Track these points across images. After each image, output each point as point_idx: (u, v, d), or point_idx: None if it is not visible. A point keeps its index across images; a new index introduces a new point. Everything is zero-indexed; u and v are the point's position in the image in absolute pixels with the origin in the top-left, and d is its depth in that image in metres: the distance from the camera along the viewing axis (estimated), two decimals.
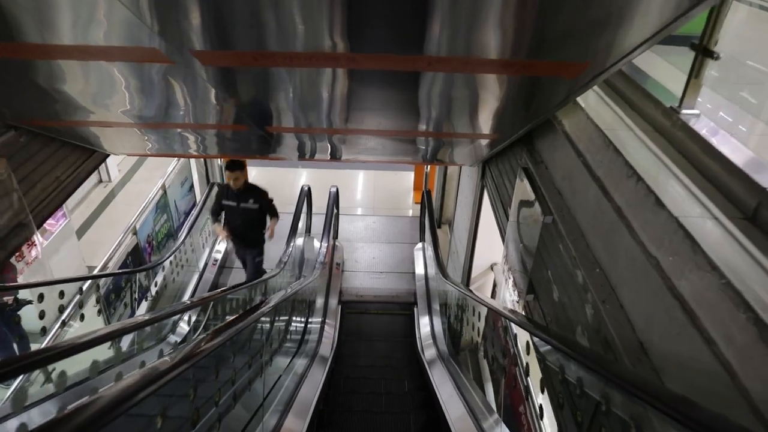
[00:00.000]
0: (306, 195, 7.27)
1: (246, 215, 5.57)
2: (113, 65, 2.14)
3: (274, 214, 5.63)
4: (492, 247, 5.44)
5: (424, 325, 5.94)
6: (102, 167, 10.14)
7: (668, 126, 2.11)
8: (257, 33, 1.63)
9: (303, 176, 10.82)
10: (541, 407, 2.06)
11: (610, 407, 1.43)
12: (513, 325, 3.76)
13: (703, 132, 1.90)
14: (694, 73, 1.99)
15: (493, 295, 5.58)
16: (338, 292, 6.90)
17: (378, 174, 11.02)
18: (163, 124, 3.27)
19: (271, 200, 5.65)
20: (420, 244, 8.00)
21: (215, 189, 8.14)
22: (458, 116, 3.03)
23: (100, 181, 10.27)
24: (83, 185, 9.90)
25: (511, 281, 3.53)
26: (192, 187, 8.51)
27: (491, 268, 5.63)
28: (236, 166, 5.35)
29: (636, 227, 1.87)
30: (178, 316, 4.66)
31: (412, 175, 10.48)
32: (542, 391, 2.05)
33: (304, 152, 4.47)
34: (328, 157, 4.59)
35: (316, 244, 7.21)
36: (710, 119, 2.01)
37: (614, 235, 2.08)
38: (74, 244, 7.01)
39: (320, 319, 5.69)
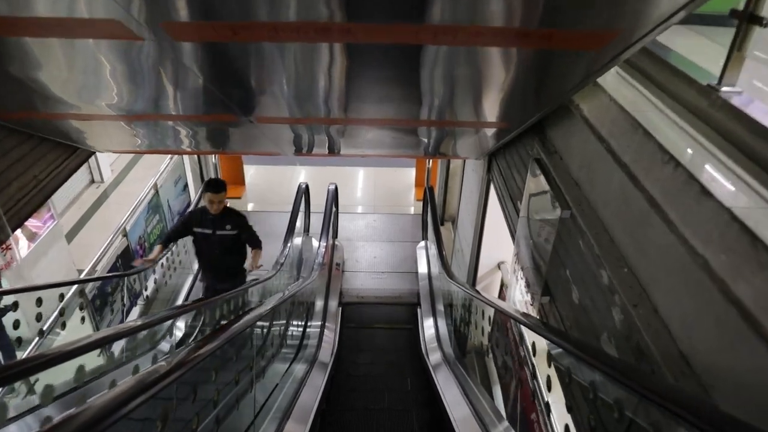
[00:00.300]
0: (304, 192, 7.04)
1: (223, 244, 4.73)
2: (84, 48, 1.92)
3: (257, 244, 4.76)
4: (499, 245, 5.21)
5: (428, 327, 5.71)
6: (94, 167, 9.92)
7: (706, 106, 1.88)
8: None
9: (302, 174, 10.58)
10: (567, 429, 1.83)
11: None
12: (525, 329, 3.53)
13: (751, 111, 1.67)
14: (737, 45, 1.76)
15: (501, 295, 5.35)
16: (338, 293, 6.67)
17: (378, 171, 10.79)
18: (145, 116, 3.05)
19: (251, 227, 4.82)
20: (423, 243, 7.77)
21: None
22: (464, 103, 2.80)
23: (93, 181, 10.04)
24: (75, 186, 9.69)
25: (523, 282, 3.30)
26: (186, 186, 8.29)
27: (498, 266, 5.40)
28: (220, 187, 4.50)
29: (675, 220, 1.64)
30: (165, 323, 4.42)
31: (413, 171, 10.25)
32: (569, 410, 1.82)
33: (300, 146, 4.24)
34: (326, 151, 4.36)
35: (315, 243, 6.98)
36: (756, 96, 1.77)
37: (646, 229, 1.85)
38: (63, 247, 6.80)
39: (320, 323, 5.46)
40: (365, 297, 6.95)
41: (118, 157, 11.35)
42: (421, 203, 9.47)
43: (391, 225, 8.78)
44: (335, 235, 7.86)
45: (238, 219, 4.73)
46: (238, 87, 2.37)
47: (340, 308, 6.48)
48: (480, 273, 5.42)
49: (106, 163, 10.25)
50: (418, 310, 6.57)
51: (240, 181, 9.82)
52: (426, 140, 3.89)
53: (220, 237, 4.68)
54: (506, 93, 2.57)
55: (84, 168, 9.88)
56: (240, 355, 3.03)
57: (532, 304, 3.05)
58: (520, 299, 3.52)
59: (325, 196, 6.99)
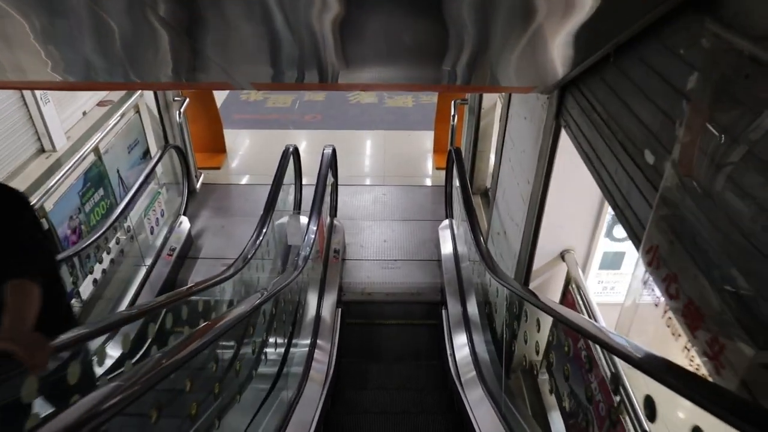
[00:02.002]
0: (291, 157, 5.55)
1: None
2: None
3: (18, 269, 1.77)
4: (566, 226, 3.70)
5: (460, 345, 4.23)
6: (43, 133, 8.49)
7: None
8: None
9: (297, 140, 9.03)
10: None
11: None
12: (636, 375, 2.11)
13: None
14: None
15: (566, 298, 3.86)
16: (337, 289, 5.22)
17: (389, 134, 9.24)
18: None
19: (37, 224, 2.19)
20: (446, 222, 6.27)
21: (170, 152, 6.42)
22: None
23: (42, 150, 8.62)
24: (18, 155, 8.28)
25: (666, 305, 1.78)
26: (147, 153, 6.82)
27: (562, 256, 3.88)
28: None
29: None
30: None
31: (431, 134, 8.68)
32: None
33: (276, 64, 2.69)
34: (316, 78, 2.80)
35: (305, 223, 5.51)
36: None
37: None
38: None
39: (308, 341, 4.01)
40: (373, 294, 5.50)
41: (79, 122, 9.92)
42: (441, 172, 7.96)
43: (406, 199, 7.28)
44: (334, 213, 6.37)
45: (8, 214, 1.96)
46: None
47: (339, 310, 5.04)
48: (536, 265, 3.91)
49: (59, 128, 8.80)
50: (443, 312, 5.12)
51: (220, 147, 8.33)
52: (457, 47, 2.34)
53: None
54: None
55: (30, 134, 8.50)
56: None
57: (709, 356, 1.54)
58: (643, 320, 2.02)
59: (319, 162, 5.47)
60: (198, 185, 7.35)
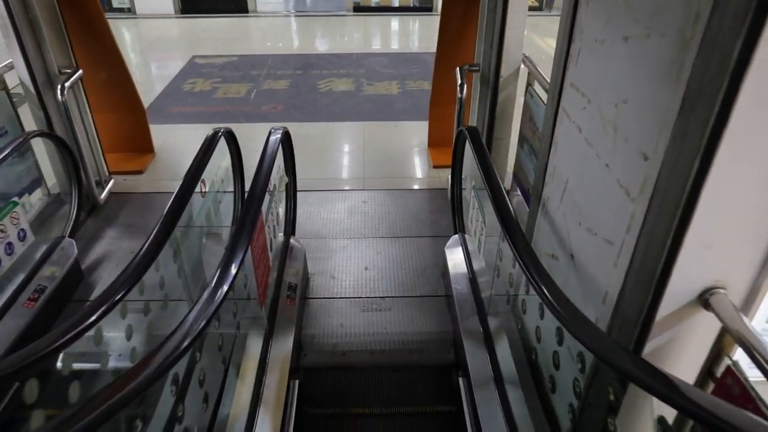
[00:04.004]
0: (219, 142, 3.73)
1: None
2: None
3: None
4: (718, 243, 1.92)
5: None
6: None
7: None
8: None
9: (257, 140, 7.19)
10: None
11: None
12: None
13: None
14: None
15: (717, 381, 2.06)
16: (291, 347, 3.37)
17: (369, 127, 7.51)
18: None
19: None
20: (456, 237, 4.47)
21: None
22: None
23: None
24: None
25: None
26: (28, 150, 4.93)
27: (703, 300, 2.09)
28: None
29: None
30: None
31: (423, 126, 6.93)
32: None
33: None
34: None
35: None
36: None
37: None
38: None
39: None
40: (348, 354, 3.66)
41: None
42: (440, 172, 6.25)
43: (394, 208, 5.48)
44: (290, 230, 4.53)
45: None
46: None
47: (296, 383, 3.20)
48: (659, 314, 2.12)
49: None
50: (461, 383, 3.32)
51: (144, 146, 6.48)
52: None
53: None
54: None
55: None
56: None
57: None
58: None
59: (263, 149, 3.64)
60: (104, 195, 5.47)
